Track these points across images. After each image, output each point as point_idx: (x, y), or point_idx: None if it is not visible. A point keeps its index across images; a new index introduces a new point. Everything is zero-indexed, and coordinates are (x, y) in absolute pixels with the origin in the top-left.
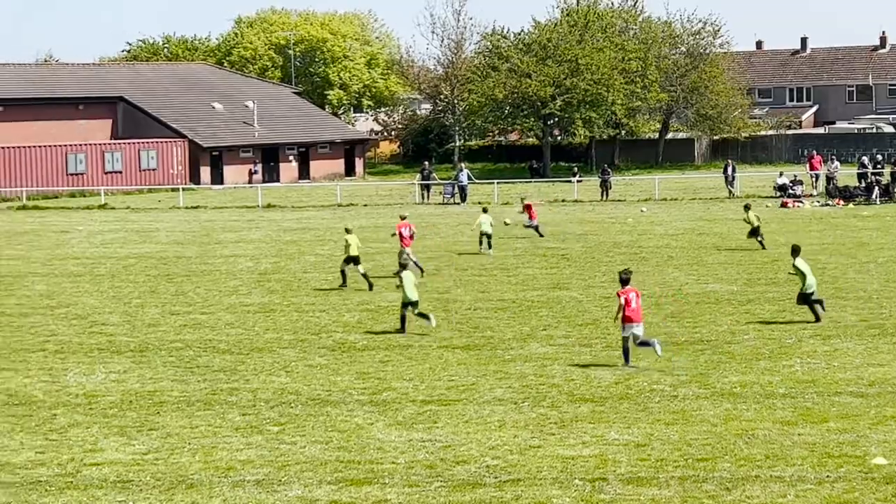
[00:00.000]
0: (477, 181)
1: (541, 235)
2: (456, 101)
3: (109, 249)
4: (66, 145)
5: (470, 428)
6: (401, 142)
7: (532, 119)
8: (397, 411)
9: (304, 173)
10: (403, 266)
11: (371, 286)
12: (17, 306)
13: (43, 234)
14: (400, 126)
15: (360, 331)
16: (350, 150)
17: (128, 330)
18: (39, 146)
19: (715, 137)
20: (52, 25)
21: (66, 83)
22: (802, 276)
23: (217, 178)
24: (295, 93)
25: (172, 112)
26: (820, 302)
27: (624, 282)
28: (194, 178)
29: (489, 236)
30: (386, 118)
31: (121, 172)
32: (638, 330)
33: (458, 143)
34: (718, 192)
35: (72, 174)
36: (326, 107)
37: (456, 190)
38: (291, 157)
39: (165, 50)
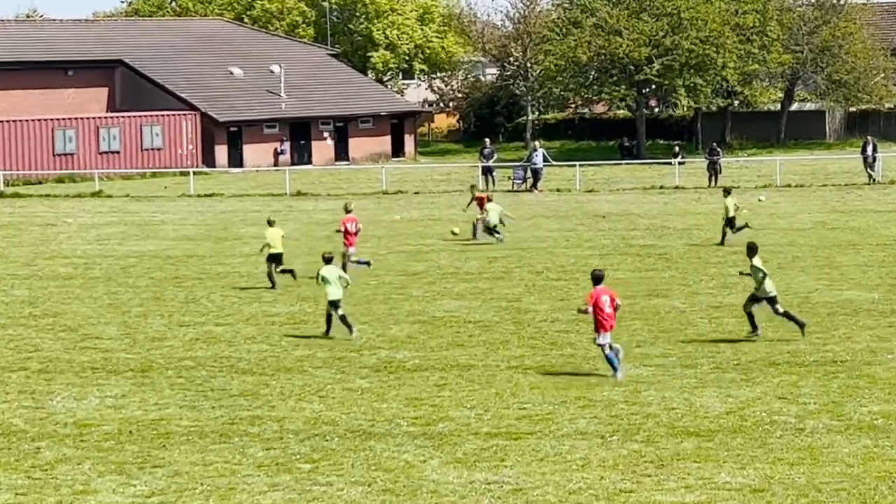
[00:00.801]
0: (554, 163)
1: (494, 235)
2: (529, 65)
3: (105, 247)
4: (52, 119)
5: (546, 467)
6: (460, 115)
7: (623, 87)
8: (456, 446)
9: (341, 153)
10: (328, 261)
11: (275, 286)
12: None
13: (24, 228)
14: (460, 95)
15: (410, 347)
16: (398, 126)
17: (127, 345)
18: (20, 120)
19: (851, 109)
20: None
21: (53, 43)
22: (763, 276)
23: (235, 159)
24: (331, 55)
25: (182, 79)
26: (786, 313)
27: (596, 280)
28: (208, 159)
29: (494, 227)
30: (442, 86)
31: (119, 153)
32: (605, 339)
33: (530, 117)
34: (856, 177)
35: (59, 154)
36: (369, 72)
37: (528, 174)
38: (326, 134)
39: (173, 3)
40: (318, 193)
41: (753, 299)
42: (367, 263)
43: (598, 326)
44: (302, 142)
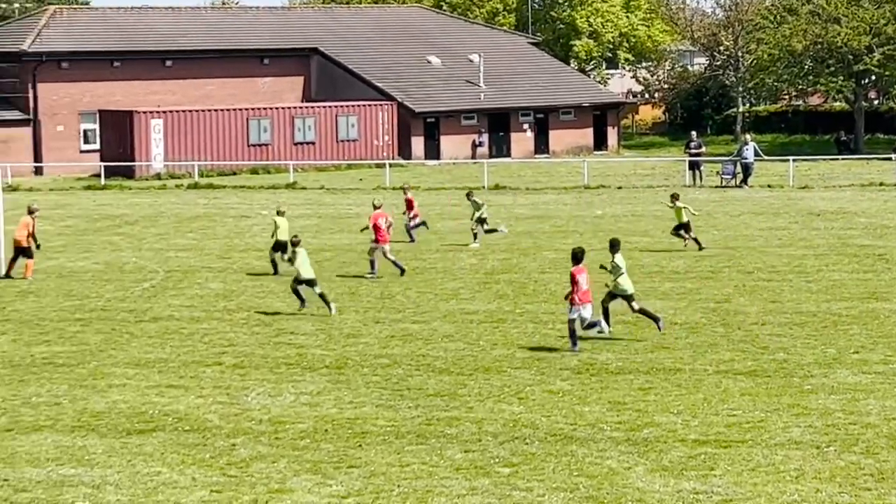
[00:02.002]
0: (765, 158)
1: (411, 237)
2: (740, 55)
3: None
4: (247, 109)
5: (757, 478)
6: (667, 106)
7: (840, 77)
8: (662, 453)
9: (541, 146)
10: (295, 244)
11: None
12: (188, 308)
13: (218, 220)
14: (666, 86)
15: (613, 348)
16: (601, 117)
17: (322, 341)
18: (215, 110)
19: None
20: None
21: (248, 32)
22: (621, 273)
23: (432, 151)
24: (532, 43)
25: (378, 68)
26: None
27: (576, 259)
28: (404, 150)
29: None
30: (648, 76)
31: (313, 143)
32: (586, 312)
33: (740, 109)
34: None
35: (254, 145)
36: (572, 61)
37: (738, 169)
38: (526, 126)
39: None
40: (517, 187)
41: (611, 296)
42: (403, 271)
43: (573, 301)
44: (501, 133)
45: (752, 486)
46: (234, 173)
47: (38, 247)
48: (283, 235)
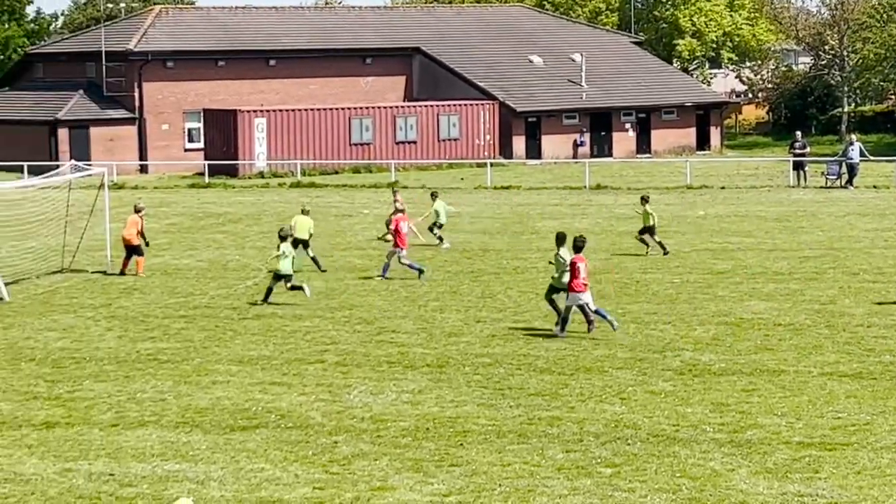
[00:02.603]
0: (871, 158)
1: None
2: (845, 54)
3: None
4: (349, 108)
5: (863, 481)
6: (770, 106)
7: None
8: (766, 455)
9: (643, 145)
10: (283, 238)
11: (320, 267)
12: (290, 306)
13: (321, 218)
14: (770, 86)
15: (716, 349)
16: (703, 117)
17: (424, 339)
18: (317, 109)
19: None
20: None
21: (351, 31)
22: (563, 268)
23: (533, 150)
24: (635, 43)
25: (480, 67)
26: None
27: (578, 249)
28: (505, 150)
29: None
30: (752, 75)
31: (415, 143)
32: (586, 297)
33: (846, 109)
34: None
35: (356, 144)
36: (675, 61)
37: (843, 169)
38: (628, 125)
39: None
40: (619, 187)
41: (552, 289)
42: (421, 272)
43: (571, 289)
44: (602, 133)
45: (858, 490)
46: (336, 172)
47: (146, 244)
48: (303, 234)
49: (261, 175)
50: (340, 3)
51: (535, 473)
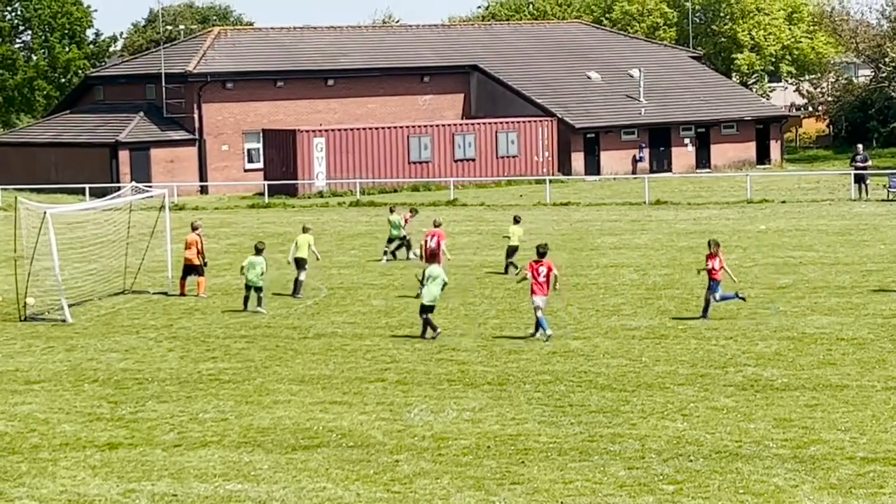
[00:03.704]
0: None
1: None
2: None
3: (461, 256)
4: (408, 126)
5: None
6: (830, 119)
7: None
8: (829, 471)
9: (702, 160)
10: (259, 251)
11: (295, 292)
12: (351, 325)
13: (381, 237)
14: (830, 99)
15: (778, 364)
16: (763, 131)
17: (484, 357)
18: (376, 128)
19: None
20: None
21: (409, 50)
22: (429, 281)
23: (592, 166)
24: (693, 57)
25: (538, 84)
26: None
27: (541, 255)
28: (564, 166)
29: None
30: (811, 88)
31: (474, 160)
32: (539, 301)
33: None
34: None
35: (414, 162)
36: (734, 75)
37: None
38: (687, 140)
39: (530, 6)
40: (679, 202)
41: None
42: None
43: (531, 291)
44: (661, 148)
45: None
46: (396, 190)
47: (205, 264)
48: (303, 253)
49: (320, 194)
50: (398, 21)
51: (597, 491)
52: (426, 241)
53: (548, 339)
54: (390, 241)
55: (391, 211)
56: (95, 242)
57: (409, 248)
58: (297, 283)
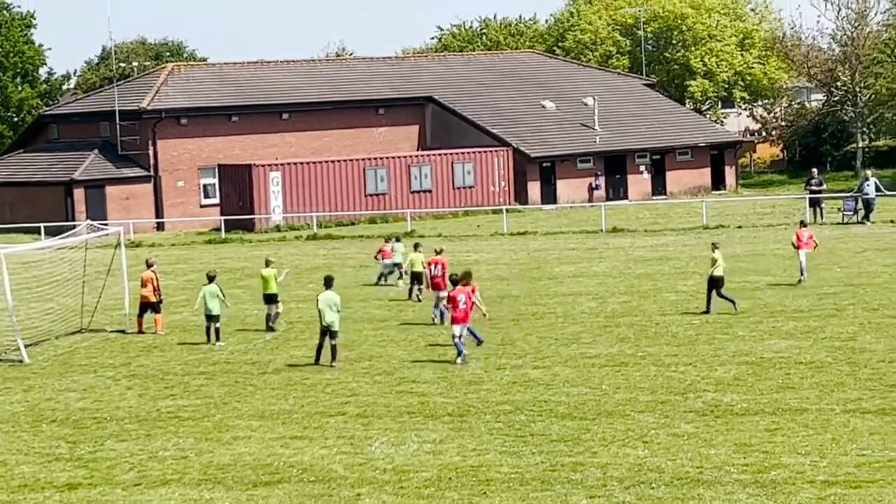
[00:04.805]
0: (887, 193)
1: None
2: (858, 90)
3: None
4: (364, 159)
5: None
6: (784, 144)
7: None
8: (790, 495)
9: (658, 187)
10: (211, 279)
11: (271, 330)
12: (310, 359)
13: (338, 270)
14: (783, 123)
15: (738, 389)
16: (718, 157)
17: (444, 388)
18: (332, 161)
19: None
20: (344, 12)
21: (363, 82)
22: (320, 311)
23: (549, 195)
24: (647, 85)
25: (493, 114)
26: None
27: (454, 283)
28: (520, 196)
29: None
30: (765, 114)
31: (430, 192)
32: (457, 330)
33: (860, 144)
34: None
35: (371, 195)
36: (687, 101)
37: (859, 205)
38: (643, 168)
39: (483, 37)
40: (635, 229)
41: (323, 332)
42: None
43: (452, 320)
44: (617, 176)
45: None
46: (353, 223)
47: (161, 301)
48: (271, 288)
49: (277, 228)
50: (352, 54)
51: None
52: (430, 270)
53: (463, 363)
54: (396, 267)
55: (396, 240)
56: (51, 281)
57: (400, 276)
58: (269, 317)
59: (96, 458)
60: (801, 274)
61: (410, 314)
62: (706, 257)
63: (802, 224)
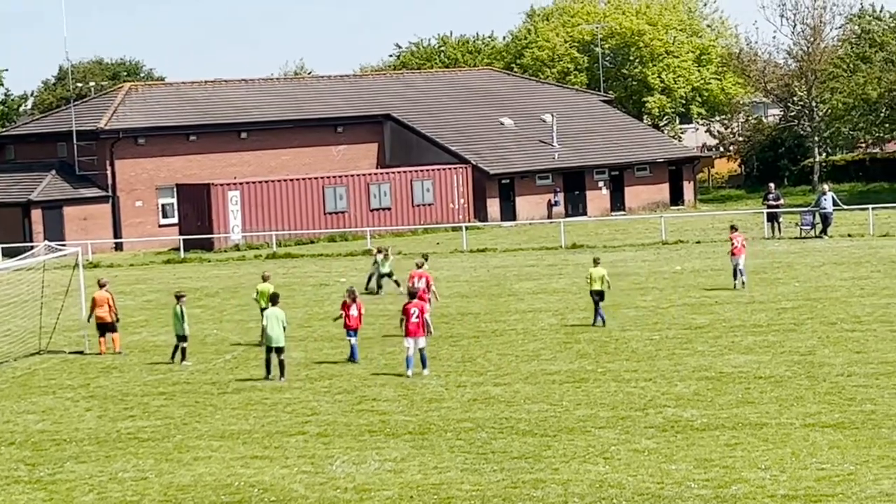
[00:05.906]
0: (844, 207)
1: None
2: (814, 104)
3: (378, 306)
4: (322, 177)
5: None
6: (742, 159)
7: None
8: None
9: (617, 203)
10: (179, 298)
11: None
12: (270, 379)
13: (298, 289)
14: (741, 139)
15: (697, 405)
16: (676, 172)
17: (404, 406)
18: (291, 179)
19: None
20: (302, 30)
21: (322, 101)
22: (264, 327)
23: (508, 212)
24: (604, 101)
25: (451, 131)
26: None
27: (411, 295)
28: (479, 213)
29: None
30: (722, 129)
31: (390, 209)
32: (420, 342)
33: (817, 159)
34: None
35: (330, 213)
36: (645, 117)
37: (817, 219)
38: (601, 184)
39: (441, 54)
40: (595, 245)
41: (269, 349)
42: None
43: (407, 332)
44: (576, 192)
45: None
46: (312, 242)
47: (117, 320)
48: (263, 302)
49: (236, 248)
50: (310, 72)
51: None
52: (413, 283)
53: (410, 375)
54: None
55: (380, 252)
56: (9, 303)
57: (380, 285)
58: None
59: (56, 480)
60: (742, 276)
61: (370, 332)
62: (667, 272)
63: (733, 228)
